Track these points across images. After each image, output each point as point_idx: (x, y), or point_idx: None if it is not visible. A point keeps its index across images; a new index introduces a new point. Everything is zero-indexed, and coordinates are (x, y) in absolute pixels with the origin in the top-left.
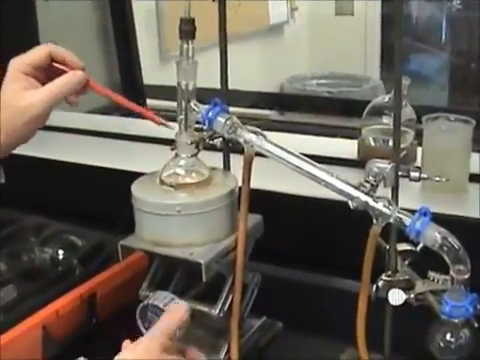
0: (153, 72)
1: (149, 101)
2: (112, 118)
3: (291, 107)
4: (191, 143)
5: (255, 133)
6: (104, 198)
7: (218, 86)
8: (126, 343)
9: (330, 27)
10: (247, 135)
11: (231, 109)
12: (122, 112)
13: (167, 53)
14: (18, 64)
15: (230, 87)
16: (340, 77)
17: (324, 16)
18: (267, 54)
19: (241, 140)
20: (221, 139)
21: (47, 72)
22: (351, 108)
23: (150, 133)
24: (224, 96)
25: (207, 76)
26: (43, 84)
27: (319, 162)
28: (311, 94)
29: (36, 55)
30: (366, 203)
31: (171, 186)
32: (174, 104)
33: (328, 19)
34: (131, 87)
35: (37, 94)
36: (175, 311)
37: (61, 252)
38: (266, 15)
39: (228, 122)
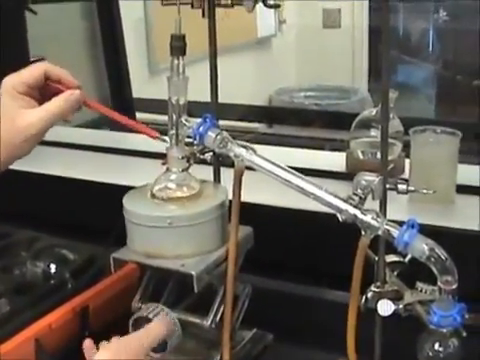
0: (142, 85)
1: (138, 115)
2: (102, 132)
3: (279, 120)
4: (182, 158)
5: (245, 147)
6: (95, 212)
7: (206, 97)
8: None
9: (318, 39)
10: (237, 149)
11: (220, 122)
12: (111, 126)
13: (156, 66)
14: (13, 82)
15: (219, 100)
16: (328, 89)
17: (312, 28)
18: (255, 67)
19: (231, 154)
20: (212, 153)
21: (41, 91)
22: (339, 121)
23: (141, 147)
24: (214, 111)
25: (195, 88)
26: (38, 102)
27: (308, 175)
28: (299, 107)
29: (31, 74)
30: (355, 216)
31: (163, 199)
32: (164, 117)
33: (316, 31)
34: (120, 100)
35: (36, 113)
36: (155, 328)
37: (53, 266)
38: (254, 28)
39: (218, 137)
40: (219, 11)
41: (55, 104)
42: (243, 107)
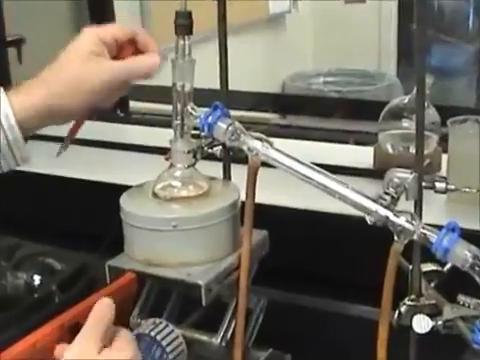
0: None
1: (133, 103)
2: (91, 124)
3: (295, 109)
4: (188, 152)
5: (260, 140)
6: (86, 214)
7: (209, 84)
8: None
9: (338, 17)
10: (251, 142)
11: None
12: (101, 116)
13: None
14: (93, 32)
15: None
16: (350, 74)
17: (332, 4)
18: (266, 48)
19: (244, 148)
20: (222, 147)
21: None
22: (364, 110)
23: (139, 140)
24: (224, 98)
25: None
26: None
27: (331, 172)
28: (317, 94)
29: (111, 28)
30: (386, 218)
31: (166, 199)
32: (162, 107)
33: (336, 7)
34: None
35: (112, 62)
36: (98, 311)
37: (37, 277)
38: (265, 4)
39: (230, 128)
40: None
41: (135, 60)
42: (252, 95)
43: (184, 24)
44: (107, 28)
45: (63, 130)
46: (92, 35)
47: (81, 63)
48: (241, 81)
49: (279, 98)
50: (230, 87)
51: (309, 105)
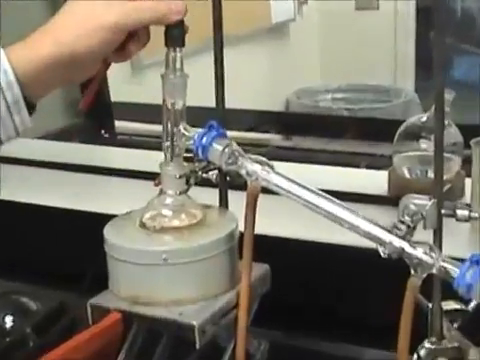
0: (123, 86)
1: (118, 123)
2: (71, 145)
3: (300, 129)
4: (180, 177)
5: (261, 163)
6: (65, 247)
7: (204, 102)
8: None
9: (349, 25)
10: (251, 166)
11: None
12: (83, 137)
13: (140, 61)
14: None
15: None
16: (363, 90)
17: (341, 11)
18: (268, 61)
19: (243, 172)
20: (217, 171)
21: None
22: (378, 130)
23: (124, 164)
24: (220, 117)
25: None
26: None
27: (339, 199)
28: (325, 112)
29: None
30: (402, 249)
31: (155, 230)
32: (149, 127)
33: (346, 14)
34: (95, 105)
35: (121, 2)
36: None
37: (9, 318)
38: (267, 11)
39: (227, 150)
40: None
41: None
42: (252, 113)
43: (176, 35)
44: None
45: (38, 154)
46: None
47: (89, 4)
48: (239, 98)
49: (282, 117)
50: (227, 105)
51: (316, 125)
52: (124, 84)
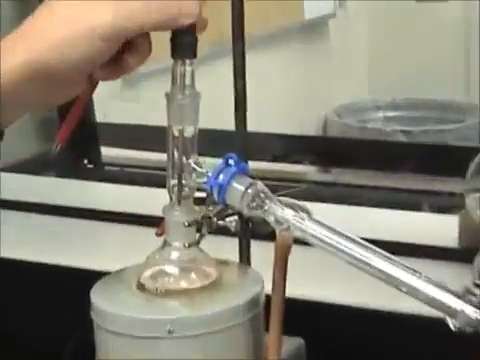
0: (112, 102)
1: (105, 150)
2: (46, 180)
3: (342, 159)
4: (189, 224)
5: (293, 208)
6: (38, 314)
7: (218, 124)
8: None
9: (407, 22)
10: (280, 212)
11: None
12: (61, 169)
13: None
14: None
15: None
16: (424, 106)
17: (397, 5)
18: (300, 69)
19: (271, 219)
20: (237, 217)
21: None
22: (445, 160)
23: (115, 205)
24: (241, 144)
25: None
26: None
27: (395, 253)
28: (376, 136)
29: None
30: (477, 321)
31: (157, 293)
32: (146, 155)
33: (404, 8)
34: (75, 127)
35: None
36: None
37: None
38: (297, 4)
39: (250, 191)
40: None
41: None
42: (282, 139)
43: (186, 43)
44: None
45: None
46: None
47: (74, 2)
48: (264, 118)
49: (319, 143)
50: (250, 127)
51: (363, 153)
52: (113, 100)
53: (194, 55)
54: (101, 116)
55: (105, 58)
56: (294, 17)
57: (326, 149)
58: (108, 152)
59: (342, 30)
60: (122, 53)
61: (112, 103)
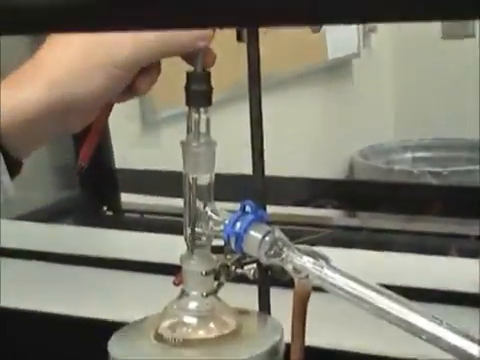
0: (132, 147)
1: (125, 197)
2: (63, 228)
3: (369, 203)
4: (207, 273)
5: (312, 256)
6: None
7: (235, 167)
8: None
9: (434, 60)
10: (299, 260)
11: (268, 209)
12: (80, 216)
13: (153, 115)
14: None
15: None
16: (454, 146)
17: (423, 40)
18: (324, 110)
19: (289, 268)
20: (255, 266)
21: None
22: (474, 203)
23: (135, 254)
24: (259, 190)
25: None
26: None
27: (419, 299)
28: (403, 179)
29: None
30: None
31: (176, 343)
32: (166, 201)
33: (430, 47)
34: (93, 173)
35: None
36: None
37: None
38: (321, 45)
39: (267, 239)
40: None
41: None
42: (305, 182)
43: (200, 91)
44: None
45: (19, 241)
46: None
47: (90, 35)
48: (286, 160)
49: (344, 186)
50: (269, 171)
51: (391, 196)
52: (133, 146)
53: (209, 103)
54: (121, 161)
55: (122, 87)
56: (317, 57)
57: (351, 192)
58: (128, 198)
59: (367, 69)
60: (136, 77)
61: (131, 148)
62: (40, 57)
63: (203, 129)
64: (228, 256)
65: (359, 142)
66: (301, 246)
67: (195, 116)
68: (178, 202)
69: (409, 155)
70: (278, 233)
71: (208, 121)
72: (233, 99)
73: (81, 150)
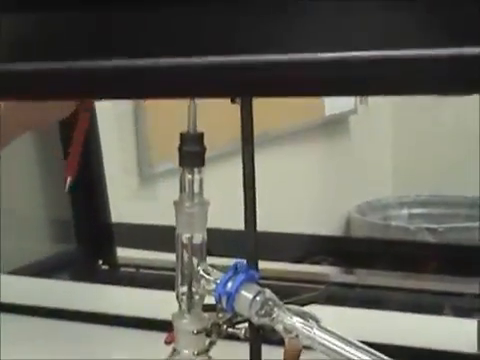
0: (129, 201)
1: (121, 251)
2: (57, 284)
3: (366, 260)
4: (198, 332)
5: (302, 316)
6: None
7: (228, 223)
8: None
9: (431, 116)
10: (289, 320)
11: (262, 266)
12: (75, 271)
13: (150, 169)
14: None
15: (259, 227)
16: (451, 203)
17: (419, 98)
18: (321, 166)
19: (279, 328)
20: (247, 324)
21: None
22: (472, 261)
23: (124, 310)
24: (251, 250)
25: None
26: None
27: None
28: (400, 235)
29: None
30: None
31: None
32: (164, 256)
33: (427, 103)
34: (90, 227)
35: None
36: None
37: None
38: (318, 101)
39: (258, 299)
40: None
41: None
42: (300, 238)
43: (193, 152)
44: None
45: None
46: None
47: None
48: (281, 215)
49: (340, 243)
50: (263, 226)
51: (387, 253)
52: (130, 199)
53: (202, 163)
54: (117, 216)
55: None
56: (314, 114)
57: (348, 249)
58: (124, 253)
59: (364, 126)
60: None
61: (128, 202)
62: None
63: (196, 189)
64: (220, 315)
65: (356, 198)
66: (292, 306)
67: (188, 176)
68: (174, 257)
69: (406, 211)
70: (269, 293)
71: (201, 181)
72: (232, 153)
73: (68, 163)
